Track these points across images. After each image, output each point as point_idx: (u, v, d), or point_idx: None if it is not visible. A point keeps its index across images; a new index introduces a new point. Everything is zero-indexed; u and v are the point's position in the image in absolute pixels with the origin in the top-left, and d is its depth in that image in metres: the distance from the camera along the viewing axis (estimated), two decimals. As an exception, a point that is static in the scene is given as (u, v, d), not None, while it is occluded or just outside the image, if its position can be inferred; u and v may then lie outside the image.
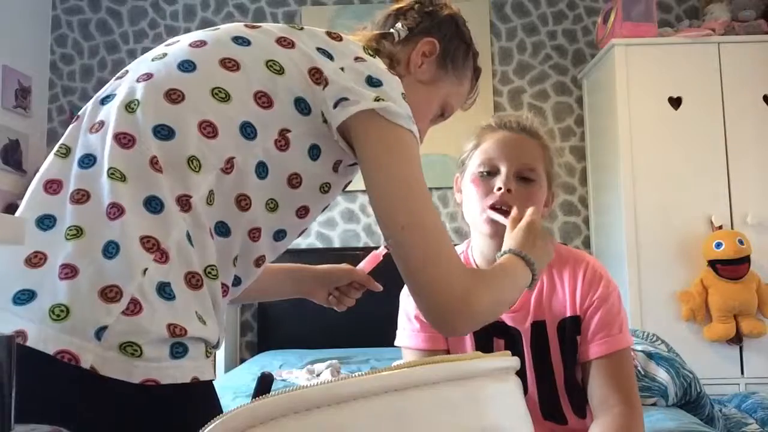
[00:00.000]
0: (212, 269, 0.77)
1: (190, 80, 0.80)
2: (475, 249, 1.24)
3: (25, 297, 0.68)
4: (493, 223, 1.13)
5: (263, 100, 0.80)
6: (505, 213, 1.11)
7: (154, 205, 0.73)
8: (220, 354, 3.01)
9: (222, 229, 0.79)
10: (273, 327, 3.25)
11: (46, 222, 0.73)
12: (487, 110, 3.39)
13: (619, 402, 1.11)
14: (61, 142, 0.81)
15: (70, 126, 0.83)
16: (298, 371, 2.46)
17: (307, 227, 0.93)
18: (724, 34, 3.02)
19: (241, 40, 0.84)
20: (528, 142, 1.20)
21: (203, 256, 0.76)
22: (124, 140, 0.76)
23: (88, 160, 0.76)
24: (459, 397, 0.59)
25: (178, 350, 0.70)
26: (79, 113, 0.84)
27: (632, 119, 2.91)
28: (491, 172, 1.17)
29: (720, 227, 2.80)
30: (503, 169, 1.16)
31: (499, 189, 1.13)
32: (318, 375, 2.41)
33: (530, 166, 1.17)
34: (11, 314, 0.67)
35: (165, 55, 0.84)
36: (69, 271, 0.68)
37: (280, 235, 0.88)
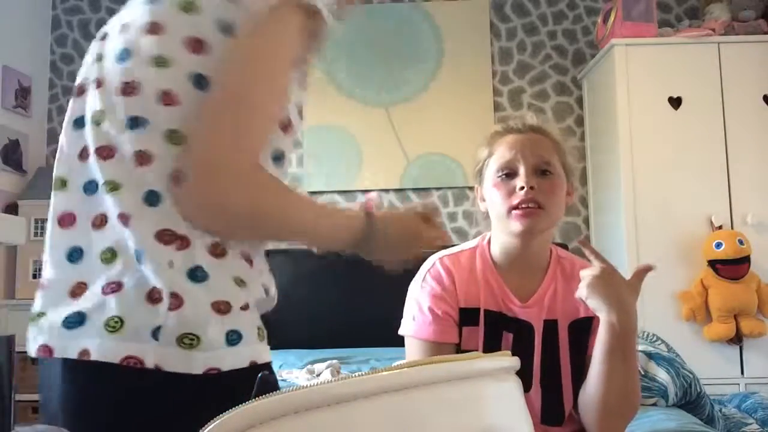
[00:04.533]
0: None
1: (132, 66, 0.78)
2: (495, 243, 1.26)
3: (75, 320, 0.71)
4: (522, 218, 1.16)
5: (195, 46, 0.77)
6: (532, 210, 1.16)
7: (152, 199, 0.74)
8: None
9: None
10: (273, 327, 3.22)
11: (74, 255, 0.76)
12: (487, 110, 3.39)
13: None
14: (55, 176, 0.81)
15: (56, 159, 0.83)
16: (298, 371, 2.46)
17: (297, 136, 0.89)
18: (724, 34, 3.02)
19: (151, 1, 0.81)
20: (538, 138, 1.24)
21: None
22: (105, 153, 0.77)
23: (92, 186, 0.78)
24: (459, 397, 0.59)
25: (233, 338, 0.73)
26: (60, 143, 0.83)
27: (632, 119, 2.91)
28: (510, 174, 1.21)
29: (720, 227, 2.80)
30: (521, 169, 1.20)
31: (522, 188, 1.17)
32: (318, 375, 2.41)
33: (545, 160, 1.21)
34: (67, 339, 0.71)
35: (102, 56, 0.82)
36: (114, 287, 0.71)
37: (279, 157, 0.85)
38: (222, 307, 0.72)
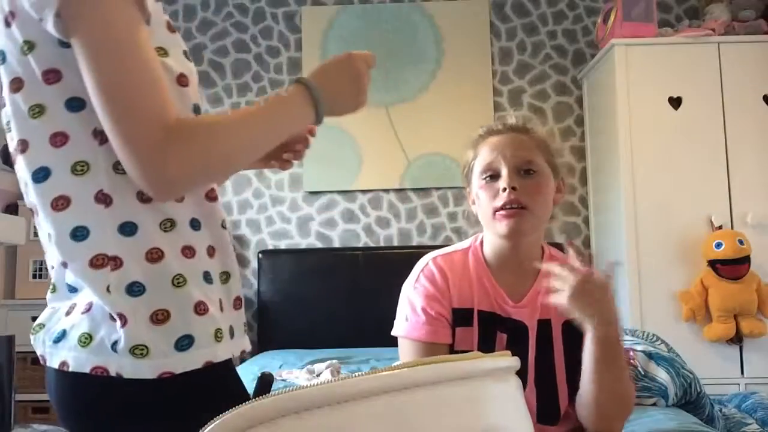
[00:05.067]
0: (165, 222, 0.81)
1: (19, 125, 0.81)
2: (486, 244, 1.27)
3: (60, 336, 0.81)
4: (506, 219, 1.17)
5: (50, 76, 0.78)
6: (515, 211, 1.17)
7: (79, 234, 0.79)
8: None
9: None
10: (273, 327, 3.25)
11: (72, 288, 0.84)
12: (487, 110, 3.39)
13: None
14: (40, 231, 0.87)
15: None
16: (298, 371, 2.46)
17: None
18: (724, 34, 3.02)
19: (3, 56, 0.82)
20: (519, 139, 1.24)
21: (146, 234, 0.80)
22: (34, 209, 0.83)
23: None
24: (459, 397, 0.59)
25: (184, 343, 0.80)
26: (30, 208, 0.86)
27: (632, 119, 2.91)
28: (493, 176, 1.22)
29: (720, 227, 2.80)
30: (503, 170, 1.20)
31: (504, 189, 1.18)
32: (318, 375, 2.41)
33: (527, 159, 1.21)
34: (53, 351, 0.81)
35: (8, 122, 0.84)
36: (87, 307, 0.80)
37: (195, 110, 0.86)
38: (160, 317, 0.79)
